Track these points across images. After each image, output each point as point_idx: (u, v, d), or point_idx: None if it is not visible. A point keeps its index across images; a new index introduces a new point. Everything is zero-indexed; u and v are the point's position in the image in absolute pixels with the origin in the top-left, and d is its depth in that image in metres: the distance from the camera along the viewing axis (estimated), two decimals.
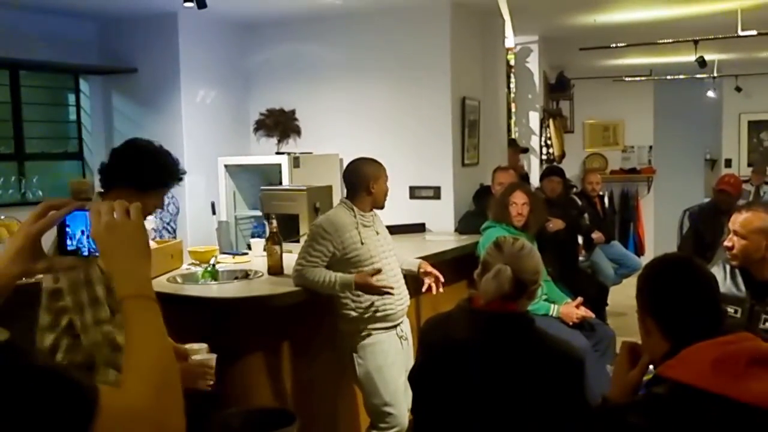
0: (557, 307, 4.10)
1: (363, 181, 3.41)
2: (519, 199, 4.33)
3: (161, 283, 3.53)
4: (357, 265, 3.31)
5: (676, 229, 6.04)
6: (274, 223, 3.84)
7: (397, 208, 4.89)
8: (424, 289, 3.53)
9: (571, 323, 4.03)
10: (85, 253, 1.21)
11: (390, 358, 3.36)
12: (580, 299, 4.16)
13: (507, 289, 2.11)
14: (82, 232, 1.21)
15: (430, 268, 3.52)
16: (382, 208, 3.49)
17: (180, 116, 5.83)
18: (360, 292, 3.28)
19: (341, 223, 3.34)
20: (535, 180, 6.64)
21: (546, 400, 2.04)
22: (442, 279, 3.49)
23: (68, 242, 1.22)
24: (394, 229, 3.81)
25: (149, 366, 1.01)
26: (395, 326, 3.43)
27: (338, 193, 5.00)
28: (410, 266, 3.58)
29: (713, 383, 1.51)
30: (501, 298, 2.12)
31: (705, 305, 1.72)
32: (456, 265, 4.49)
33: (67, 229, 1.21)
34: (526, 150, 6.63)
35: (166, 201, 5.14)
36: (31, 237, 1.17)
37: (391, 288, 3.26)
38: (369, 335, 3.35)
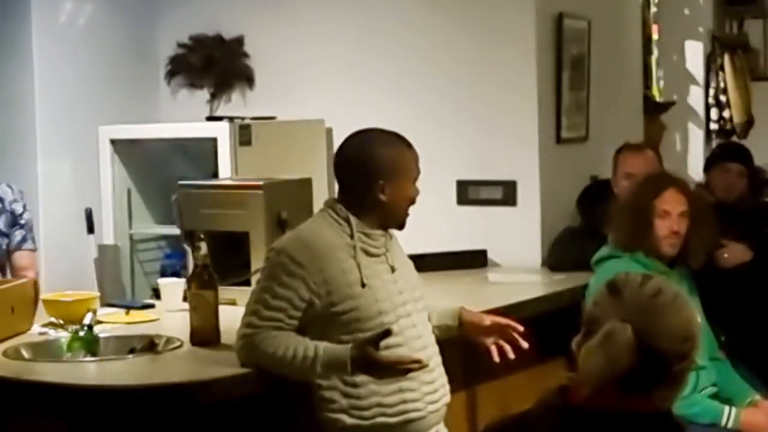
0: (736, 411, 3.47)
1: (367, 176, 2.62)
2: (673, 203, 3.45)
3: None
4: (352, 326, 2.58)
5: None
6: (204, 249, 3.16)
7: (437, 221, 4.10)
8: (486, 341, 2.85)
9: None
10: None
11: None
12: None
13: (626, 365, 1.57)
14: None
15: (487, 317, 2.86)
16: (400, 227, 2.69)
17: (29, 51, 4.49)
18: (362, 377, 2.50)
19: (323, 245, 2.60)
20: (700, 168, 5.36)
21: None
22: (520, 329, 2.75)
23: None
24: (429, 262, 3.46)
25: None
26: None
27: (324, 192, 4.01)
28: (444, 318, 2.81)
29: None
30: (617, 386, 1.57)
31: None
32: (543, 329, 3.45)
33: None
34: (667, 106, 5.12)
35: None
36: None
37: (419, 361, 2.53)
38: None
